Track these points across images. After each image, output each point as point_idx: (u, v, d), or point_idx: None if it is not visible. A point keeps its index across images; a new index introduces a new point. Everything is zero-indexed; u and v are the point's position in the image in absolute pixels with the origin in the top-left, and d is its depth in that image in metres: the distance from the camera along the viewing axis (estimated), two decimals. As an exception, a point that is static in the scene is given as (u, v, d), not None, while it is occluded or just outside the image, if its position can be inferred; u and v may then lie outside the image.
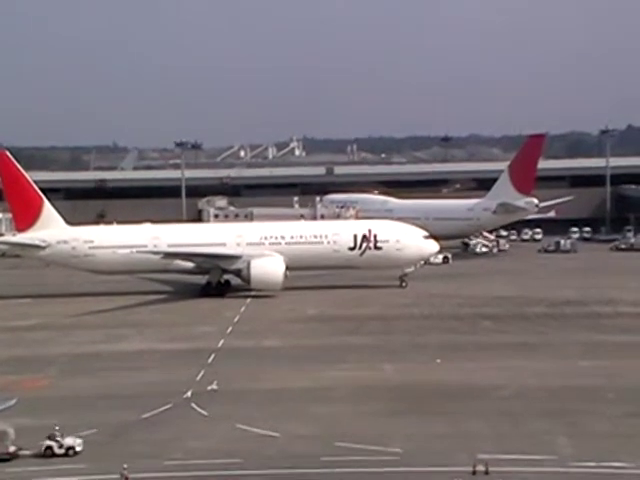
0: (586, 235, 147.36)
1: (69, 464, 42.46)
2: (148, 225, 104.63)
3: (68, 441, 43.76)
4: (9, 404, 41.25)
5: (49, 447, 43.53)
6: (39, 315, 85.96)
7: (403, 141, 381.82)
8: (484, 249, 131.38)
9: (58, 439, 43.65)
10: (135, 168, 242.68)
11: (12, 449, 43.59)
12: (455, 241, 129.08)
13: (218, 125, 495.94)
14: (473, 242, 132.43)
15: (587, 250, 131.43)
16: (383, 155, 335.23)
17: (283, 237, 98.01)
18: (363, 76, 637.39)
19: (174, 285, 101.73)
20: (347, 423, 48.07)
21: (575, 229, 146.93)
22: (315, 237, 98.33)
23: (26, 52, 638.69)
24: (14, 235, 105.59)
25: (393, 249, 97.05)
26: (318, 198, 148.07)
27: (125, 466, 39.77)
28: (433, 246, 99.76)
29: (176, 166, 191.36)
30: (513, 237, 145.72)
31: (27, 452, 43.90)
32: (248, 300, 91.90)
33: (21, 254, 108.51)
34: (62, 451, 43.42)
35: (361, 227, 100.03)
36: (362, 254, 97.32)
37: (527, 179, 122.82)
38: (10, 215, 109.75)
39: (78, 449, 43.76)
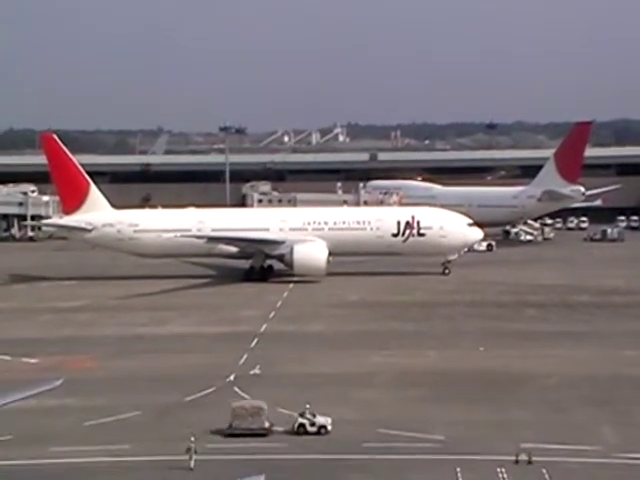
0: (634, 224, 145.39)
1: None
2: (192, 209, 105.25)
3: (320, 420, 43.96)
4: (55, 384, 41.66)
5: (302, 425, 43.82)
6: (85, 297, 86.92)
7: (447, 127, 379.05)
8: (529, 237, 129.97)
9: (309, 417, 43.87)
10: (167, 152, 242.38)
11: (267, 425, 44.20)
12: (497, 229, 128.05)
13: (262, 110, 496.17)
14: (514, 230, 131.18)
15: (634, 239, 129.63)
16: (427, 141, 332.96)
17: (326, 223, 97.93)
18: (407, 62, 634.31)
19: (217, 269, 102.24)
20: (389, 409, 48.04)
21: (622, 218, 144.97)
22: (358, 223, 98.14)
23: (74, 38, 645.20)
24: (61, 218, 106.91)
25: (436, 236, 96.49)
26: (361, 184, 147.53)
27: (192, 439, 40.12)
28: (477, 233, 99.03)
29: (220, 151, 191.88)
30: (558, 225, 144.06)
31: (280, 429, 44.33)
32: (291, 285, 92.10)
33: (68, 236, 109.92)
34: (314, 429, 43.68)
35: (404, 213, 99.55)
36: (405, 241, 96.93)
37: (573, 167, 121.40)
38: (57, 198, 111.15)
39: (329, 428, 43.92)
